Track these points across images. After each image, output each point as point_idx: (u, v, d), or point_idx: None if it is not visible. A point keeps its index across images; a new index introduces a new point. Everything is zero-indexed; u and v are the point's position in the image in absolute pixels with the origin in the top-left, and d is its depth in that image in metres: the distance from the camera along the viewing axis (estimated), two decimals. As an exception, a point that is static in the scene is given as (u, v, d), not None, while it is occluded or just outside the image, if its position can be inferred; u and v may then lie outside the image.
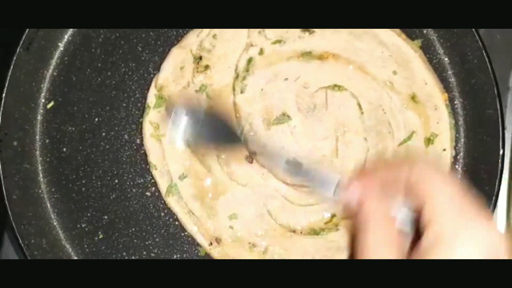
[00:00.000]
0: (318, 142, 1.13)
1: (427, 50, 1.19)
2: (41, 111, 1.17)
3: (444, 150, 1.14)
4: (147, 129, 1.15)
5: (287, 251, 1.12)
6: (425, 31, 1.20)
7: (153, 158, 1.14)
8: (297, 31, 1.16)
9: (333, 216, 1.12)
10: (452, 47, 1.17)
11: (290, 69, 1.15)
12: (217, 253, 1.12)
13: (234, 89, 1.15)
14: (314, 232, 1.12)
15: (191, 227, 1.12)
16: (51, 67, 1.18)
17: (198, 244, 1.14)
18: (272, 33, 1.16)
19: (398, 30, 1.17)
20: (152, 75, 1.18)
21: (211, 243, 1.12)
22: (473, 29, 1.11)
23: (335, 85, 1.14)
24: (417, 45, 1.18)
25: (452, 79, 1.18)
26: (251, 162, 1.13)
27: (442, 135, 1.14)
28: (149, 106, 1.15)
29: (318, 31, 1.16)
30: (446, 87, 1.18)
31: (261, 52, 1.15)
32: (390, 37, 1.16)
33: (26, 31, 1.11)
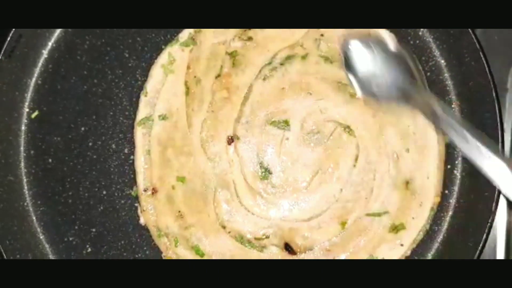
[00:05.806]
0: (298, 165, 1.10)
1: (423, 52, 1.14)
2: (25, 121, 1.13)
3: (402, 245, 1.10)
4: (163, 58, 1.13)
5: (207, 239, 1.09)
6: (420, 32, 1.15)
7: (150, 85, 1.12)
8: None
9: (266, 237, 1.09)
10: (449, 49, 1.12)
11: (319, 88, 1.11)
12: (145, 201, 1.10)
13: (260, 72, 1.11)
14: (240, 239, 1.09)
15: (140, 164, 1.11)
16: (35, 75, 1.13)
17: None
18: (326, 48, 1.12)
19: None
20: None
21: (146, 189, 1.10)
22: (469, 30, 1.06)
23: (348, 127, 1.11)
24: (445, 140, 1.12)
25: (449, 82, 1.13)
26: (229, 144, 1.10)
27: (408, 232, 1.09)
28: (178, 40, 1.13)
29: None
30: (443, 90, 1.13)
31: (305, 56, 1.12)
32: (423, 119, 1.10)
33: (8, 38, 1.07)
